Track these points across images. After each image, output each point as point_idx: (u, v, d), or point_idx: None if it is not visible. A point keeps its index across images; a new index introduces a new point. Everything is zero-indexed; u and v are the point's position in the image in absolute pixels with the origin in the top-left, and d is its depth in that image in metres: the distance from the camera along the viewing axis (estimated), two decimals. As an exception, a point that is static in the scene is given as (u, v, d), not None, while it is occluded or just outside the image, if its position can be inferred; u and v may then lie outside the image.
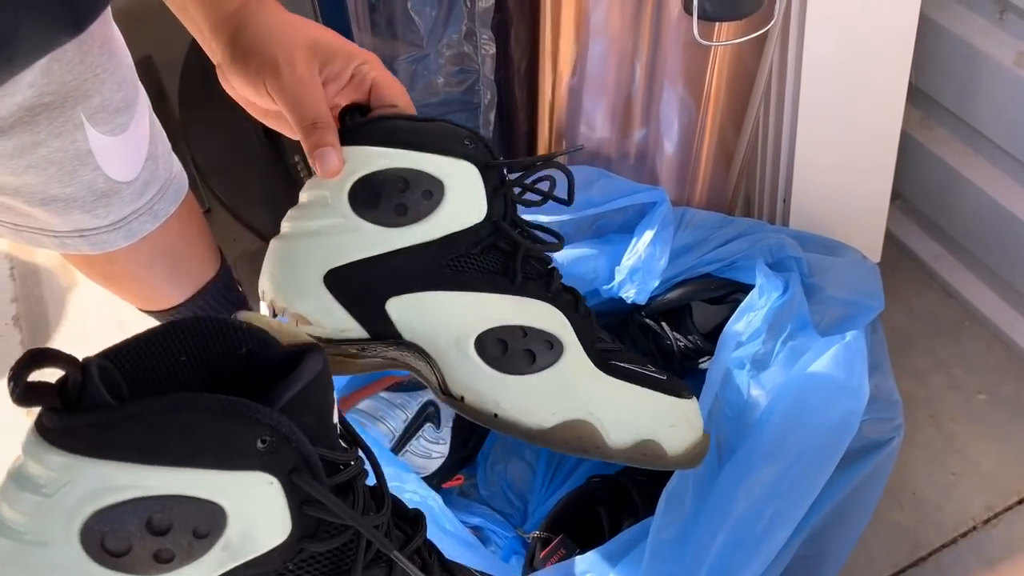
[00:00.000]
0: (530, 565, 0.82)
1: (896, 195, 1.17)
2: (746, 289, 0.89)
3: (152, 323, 1.12)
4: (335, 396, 0.40)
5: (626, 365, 0.54)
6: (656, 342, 0.93)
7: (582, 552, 0.78)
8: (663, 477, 0.86)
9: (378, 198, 0.47)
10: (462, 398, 0.49)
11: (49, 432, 0.34)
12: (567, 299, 0.53)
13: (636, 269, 0.86)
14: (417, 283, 0.48)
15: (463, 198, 0.49)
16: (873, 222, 1.09)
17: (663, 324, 0.92)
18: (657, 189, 0.87)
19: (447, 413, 0.96)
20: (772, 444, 0.77)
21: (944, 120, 1.08)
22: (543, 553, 0.81)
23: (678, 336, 0.91)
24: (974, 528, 0.95)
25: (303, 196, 0.51)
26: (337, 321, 0.47)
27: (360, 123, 0.50)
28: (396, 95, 0.52)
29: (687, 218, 0.91)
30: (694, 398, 0.60)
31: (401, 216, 0.48)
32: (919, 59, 0.97)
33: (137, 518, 0.33)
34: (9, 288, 1.26)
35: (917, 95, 1.08)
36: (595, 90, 0.93)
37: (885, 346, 0.92)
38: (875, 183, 1.06)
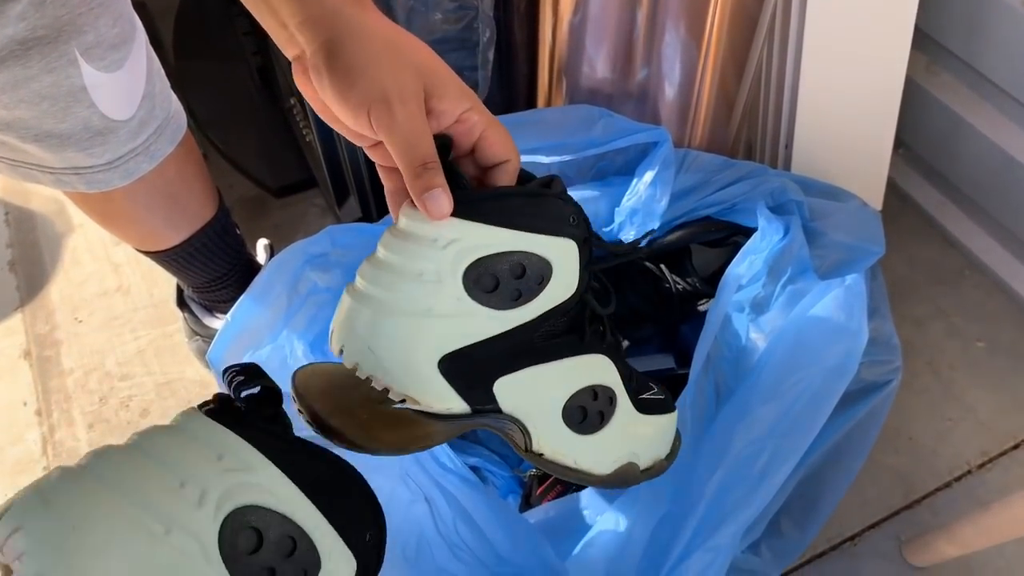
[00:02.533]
0: (527, 502, 0.83)
1: (899, 143, 1.16)
2: (746, 232, 0.88)
3: (147, 265, 1.12)
4: None
5: (648, 396, 0.58)
6: (655, 285, 0.93)
7: (579, 489, 0.78)
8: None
9: (496, 283, 0.47)
10: (542, 454, 0.52)
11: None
12: (613, 345, 0.55)
13: (636, 211, 0.86)
14: (521, 361, 0.49)
15: (565, 276, 0.49)
16: (875, 170, 1.08)
17: (663, 267, 0.91)
18: (659, 128, 0.86)
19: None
20: (771, 384, 0.77)
21: (950, 65, 1.07)
22: (540, 490, 0.81)
23: (677, 279, 0.91)
24: (969, 472, 0.95)
25: (400, 241, 0.47)
26: (446, 401, 0.47)
27: (478, 198, 0.47)
28: (508, 151, 0.48)
29: (688, 160, 0.90)
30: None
31: (515, 300, 0.47)
32: (925, 2, 0.95)
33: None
34: (4, 234, 1.25)
35: (923, 39, 1.07)
36: (596, 31, 0.91)
37: (885, 291, 0.91)
38: (878, 130, 1.05)
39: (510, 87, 1.03)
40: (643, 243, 0.88)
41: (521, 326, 0.48)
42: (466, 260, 0.46)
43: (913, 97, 1.08)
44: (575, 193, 0.88)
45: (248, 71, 1.35)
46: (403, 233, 0.47)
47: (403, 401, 0.46)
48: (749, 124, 1.08)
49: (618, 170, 0.90)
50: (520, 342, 0.48)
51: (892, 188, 1.15)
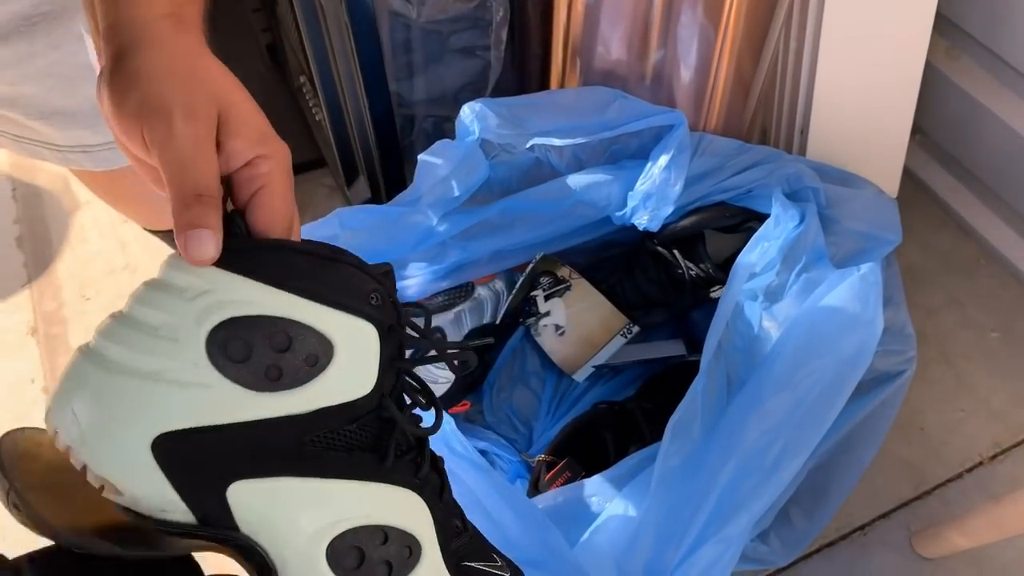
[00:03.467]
0: (535, 487, 0.82)
1: (915, 129, 1.14)
2: (761, 218, 0.87)
3: (154, 244, 1.11)
4: None
5: (477, 566, 0.45)
6: (668, 270, 0.92)
7: (587, 475, 0.78)
8: (670, 406, 0.86)
9: (248, 352, 0.36)
10: None
11: None
12: (434, 483, 0.43)
13: (650, 195, 0.84)
14: (272, 465, 0.37)
15: (355, 366, 0.39)
16: (892, 156, 1.07)
17: (675, 252, 0.90)
18: (675, 111, 0.84)
19: (454, 339, 0.95)
20: (785, 374, 0.76)
21: (970, 49, 1.05)
22: (548, 475, 0.81)
23: (690, 264, 0.90)
24: (980, 464, 0.95)
25: (149, 290, 0.38)
26: (159, 499, 0.35)
27: (253, 247, 0.38)
28: (277, 221, 0.38)
29: (703, 144, 0.89)
30: None
31: (272, 381, 0.36)
32: (947, -15, 0.94)
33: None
34: (12, 209, 1.25)
35: (943, 23, 1.05)
36: (612, 11, 0.90)
37: (900, 280, 0.90)
38: (896, 116, 1.03)
39: (523, 67, 1.02)
40: (657, 228, 0.87)
41: (283, 419, 0.37)
42: (215, 318, 0.36)
43: (931, 82, 1.06)
44: (587, 176, 0.88)
45: (257, 48, 1.34)
46: (156, 281, 0.38)
47: (103, 489, 0.35)
48: (764, 109, 1.06)
49: (632, 154, 0.89)
50: (280, 441, 0.37)
51: (907, 175, 1.14)
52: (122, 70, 0.37)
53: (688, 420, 0.75)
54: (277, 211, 0.38)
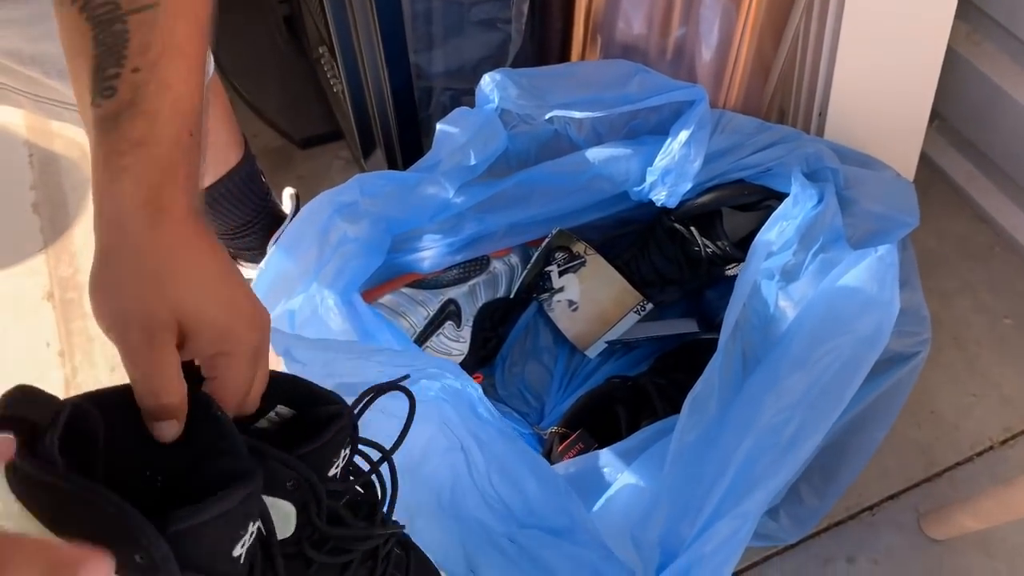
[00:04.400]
0: (548, 458, 0.83)
1: (934, 115, 1.13)
2: (779, 197, 0.87)
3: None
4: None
5: None
6: (683, 247, 0.92)
7: (600, 448, 0.78)
8: (683, 382, 0.86)
9: None
10: None
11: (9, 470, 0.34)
12: None
13: (669, 171, 0.84)
14: None
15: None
16: (910, 140, 1.06)
17: (692, 229, 0.90)
18: (696, 87, 0.84)
19: (468, 312, 0.95)
20: (802, 353, 0.76)
21: (992, 34, 1.05)
22: (561, 447, 0.81)
23: (707, 242, 0.90)
24: (990, 448, 0.95)
25: None
26: None
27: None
28: (227, 404, 0.41)
29: (723, 121, 0.88)
30: None
31: None
32: (972, -32, 0.93)
33: None
34: (28, 175, 1.25)
35: (965, 7, 1.04)
36: (634, -13, 0.89)
37: (915, 263, 0.90)
38: (915, 101, 1.03)
39: (543, 41, 1.02)
40: (674, 204, 0.87)
41: None
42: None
43: (952, 67, 1.06)
44: (606, 149, 0.87)
45: (275, 20, 1.33)
46: None
47: None
48: (783, 89, 1.06)
49: (651, 129, 0.89)
50: None
51: (924, 160, 1.13)
52: (98, 279, 0.39)
53: (705, 396, 0.75)
54: (227, 398, 0.41)
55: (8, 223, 1.20)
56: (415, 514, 0.66)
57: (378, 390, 0.48)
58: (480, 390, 0.69)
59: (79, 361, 1.06)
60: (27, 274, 1.14)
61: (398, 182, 0.80)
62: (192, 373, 0.41)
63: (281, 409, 0.45)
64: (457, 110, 0.82)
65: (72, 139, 1.28)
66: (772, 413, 0.72)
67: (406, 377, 0.50)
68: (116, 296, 0.39)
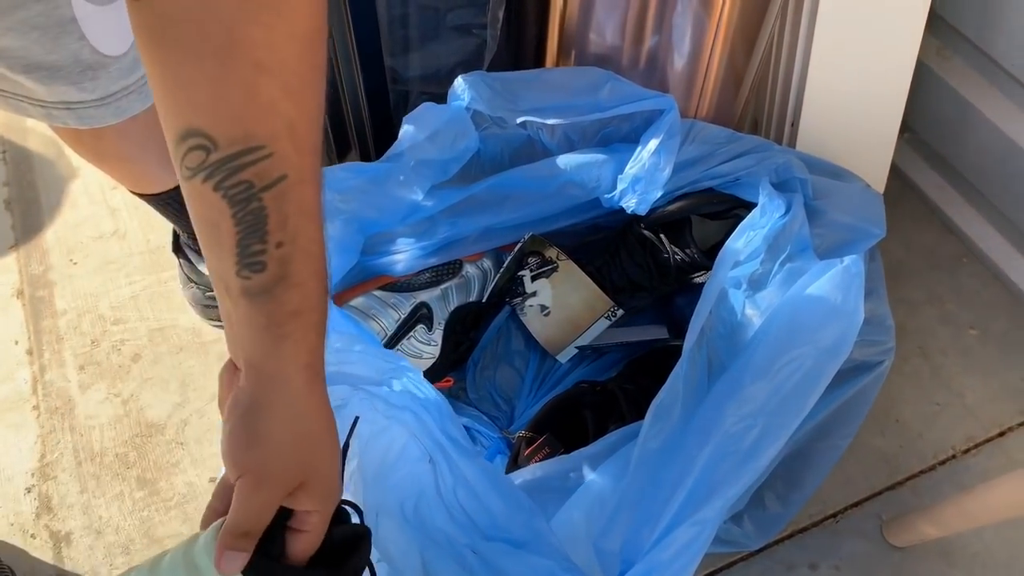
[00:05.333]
0: (514, 463, 0.83)
1: (905, 127, 1.15)
2: (748, 206, 0.88)
3: (144, 210, 1.11)
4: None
5: None
6: (654, 255, 0.93)
7: (566, 452, 0.79)
8: (651, 388, 0.87)
9: None
10: None
11: None
12: None
13: (639, 178, 0.85)
14: None
15: None
16: (880, 152, 1.08)
17: (662, 236, 0.91)
18: (666, 96, 0.85)
19: (439, 316, 0.95)
20: (765, 362, 0.77)
21: (962, 50, 1.06)
22: (528, 451, 0.82)
23: (676, 249, 0.91)
24: (953, 457, 0.96)
25: (185, 559, 0.46)
26: None
27: (272, 569, 0.45)
28: (306, 552, 0.47)
29: (694, 131, 0.89)
30: None
31: None
32: (941, -16, 0.94)
33: None
34: (1, 172, 1.24)
35: (936, 23, 1.06)
36: (608, -2, 0.90)
37: (882, 273, 0.91)
38: (886, 113, 1.04)
39: (518, 48, 1.02)
40: (644, 211, 0.87)
41: None
42: None
43: (922, 81, 1.07)
44: (578, 155, 0.88)
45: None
46: (193, 552, 0.46)
47: None
48: (756, 100, 1.07)
49: (623, 137, 0.89)
50: None
51: (895, 172, 1.15)
52: (247, 427, 0.44)
53: (669, 404, 0.76)
54: (308, 549, 0.46)
55: (-21, 220, 1.19)
56: (380, 514, 0.66)
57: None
58: (449, 407, 0.69)
59: (47, 359, 1.05)
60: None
61: (367, 174, 0.80)
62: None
63: None
64: (423, 105, 0.82)
65: (47, 137, 1.27)
66: (733, 421, 0.73)
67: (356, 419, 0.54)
68: (262, 446, 0.44)
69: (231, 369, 0.47)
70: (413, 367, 0.70)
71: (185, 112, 0.41)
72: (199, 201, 0.42)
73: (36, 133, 1.28)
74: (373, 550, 0.64)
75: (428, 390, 0.69)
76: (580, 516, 0.73)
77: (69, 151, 1.26)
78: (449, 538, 0.65)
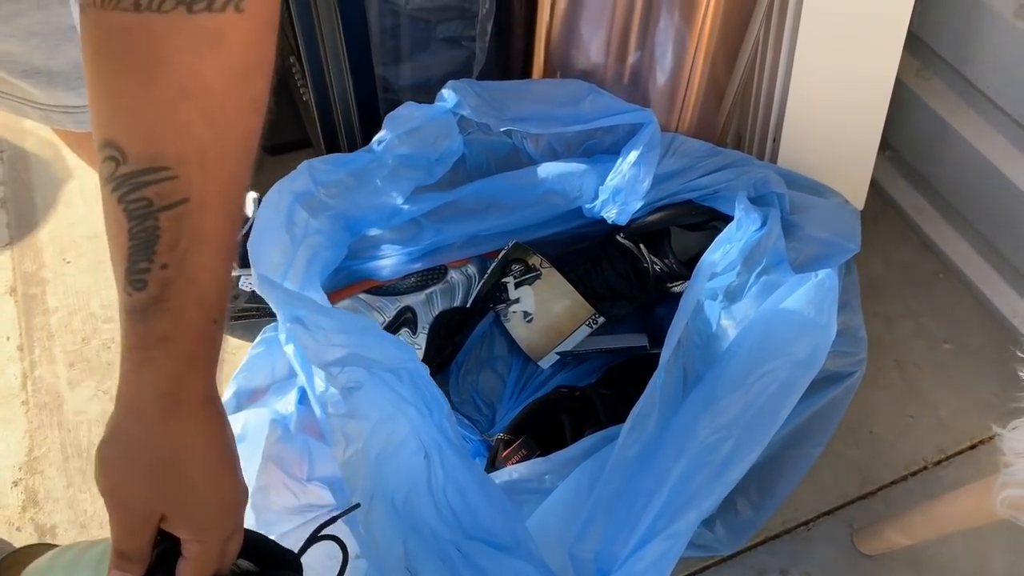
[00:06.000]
0: (492, 465, 0.85)
1: (885, 145, 1.18)
2: (726, 219, 0.90)
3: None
4: None
5: None
6: (633, 264, 0.95)
7: (543, 454, 0.80)
8: (628, 394, 0.89)
9: None
10: None
11: None
12: None
13: (619, 189, 0.87)
14: None
15: None
16: (860, 169, 1.10)
17: (641, 246, 0.93)
18: (645, 110, 0.87)
19: (424, 320, 0.97)
20: (739, 374, 0.78)
21: (940, 71, 1.09)
22: (505, 453, 0.83)
23: (655, 259, 0.93)
24: (925, 468, 0.98)
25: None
26: None
27: None
28: None
29: (675, 145, 0.92)
30: None
31: None
32: (920, 6, 0.97)
33: None
34: (-2, 171, 1.26)
35: (915, 44, 1.08)
36: (592, 12, 0.92)
37: (858, 286, 0.93)
38: (866, 130, 1.06)
39: (506, 61, 1.05)
40: (624, 221, 0.89)
41: None
42: None
43: (902, 100, 1.10)
44: (561, 165, 0.90)
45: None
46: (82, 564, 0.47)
47: None
48: (739, 115, 1.10)
49: (606, 149, 0.92)
50: None
51: (875, 189, 1.17)
52: (106, 454, 0.43)
53: (647, 413, 0.77)
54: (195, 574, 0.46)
55: (-25, 218, 1.21)
56: (375, 497, 0.68)
57: (315, 537, 0.53)
58: (448, 408, 0.71)
59: (38, 356, 1.07)
60: None
61: (348, 165, 0.83)
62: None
63: (242, 563, 0.50)
64: (404, 104, 0.85)
65: (44, 139, 1.29)
66: (708, 432, 0.74)
67: (356, 506, 0.54)
68: (118, 475, 0.43)
69: None
70: (422, 363, 0.72)
71: (106, 122, 0.41)
72: (107, 211, 0.42)
73: (34, 135, 1.30)
74: (359, 529, 0.66)
75: (432, 388, 0.71)
76: (554, 520, 0.74)
77: (66, 152, 1.28)
78: (434, 532, 0.67)
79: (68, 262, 1.16)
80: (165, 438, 0.43)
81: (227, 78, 0.41)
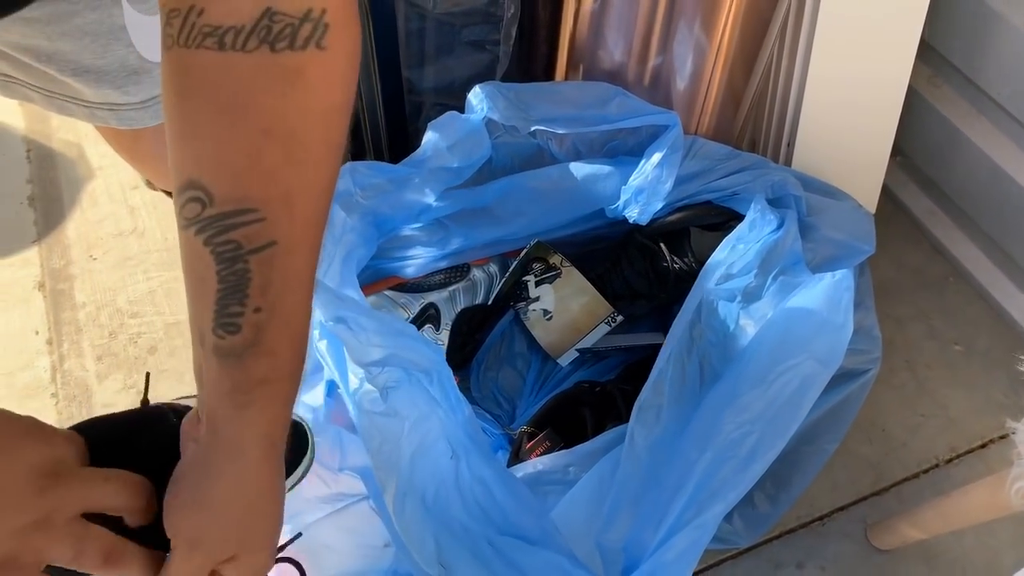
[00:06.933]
0: (515, 457, 0.87)
1: (896, 151, 1.20)
2: (744, 219, 0.92)
3: (162, 209, 1.15)
4: None
5: None
6: (653, 263, 0.97)
7: (566, 447, 0.82)
8: (648, 389, 0.90)
9: None
10: None
11: None
12: None
13: (642, 189, 0.89)
14: None
15: None
16: (872, 174, 1.12)
17: (662, 245, 0.95)
18: (671, 113, 0.89)
19: (447, 317, 1.00)
20: (760, 371, 0.80)
21: (951, 79, 1.11)
22: (528, 445, 0.85)
23: (675, 258, 0.95)
24: (936, 466, 1.00)
25: None
26: None
27: None
28: None
29: (696, 147, 0.94)
30: None
31: None
32: (932, 15, 0.99)
33: None
34: (25, 170, 1.28)
35: (927, 52, 1.11)
36: (615, 19, 0.95)
37: (871, 287, 0.96)
38: (878, 136, 1.09)
39: (528, 64, 1.07)
40: (646, 221, 0.92)
41: None
42: None
43: (914, 107, 1.12)
44: (585, 166, 0.92)
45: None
46: None
47: None
48: (755, 120, 1.12)
49: (628, 150, 0.94)
50: None
51: (886, 193, 1.20)
52: (195, 487, 0.43)
53: (653, 402, 0.79)
54: None
55: (3, 215, 1.23)
56: (407, 494, 0.70)
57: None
58: (472, 411, 0.73)
59: (67, 350, 1.09)
60: (20, 264, 1.17)
61: (386, 174, 0.85)
62: None
63: None
64: (448, 114, 0.87)
65: (70, 139, 1.32)
66: (732, 427, 0.76)
67: (298, 536, 0.55)
68: (204, 511, 0.43)
69: (194, 419, 0.45)
70: (447, 367, 0.74)
71: (189, 163, 0.41)
72: (190, 252, 0.41)
73: (59, 136, 1.32)
74: (395, 526, 0.68)
75: (454, 393, 0.73)
76: (579, 512, 0.76)
77: (90, 153, 1.30)
78: (465, 528, 0.69)
79: (95, 259, 1.18)
80: (261, 482, 0.44)
81: (309, 120, 0.41)
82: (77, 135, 1.32)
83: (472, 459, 0.72)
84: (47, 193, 1.26)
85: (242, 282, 0.40)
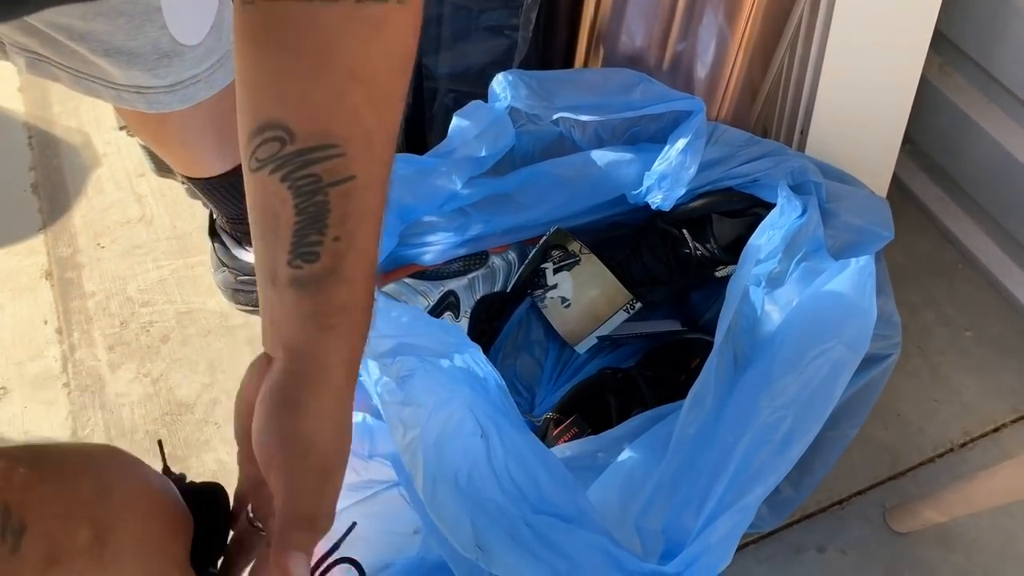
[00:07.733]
0: (542, 441, 0.87)
1: (906, 139, 1.21)
2: (764, 205, 0.93)
3: (170, 197, 1.14)
4: None
5: None
6: (675, 249, 0.97)
7: (593, 433, 0.82)
8: (669, 375, 0.91)
9: None
10: None
11: None
12: None
13: (665, 175, 0.89)
14: None
15: None
16: (883, 162, 1.13)
17: (684, 231, 0.95)
18: (695, 99, 0.89)
19: (466, 304, 0.99)
20: (792, 356, 0.80)
21: (963, 67, 1.12)
22: (556, 431, 0.85)
23: (697, 244, 0.95)
24: (951, 450, 1.01)
25: None
26: None
27: None
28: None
29: (717, 133, 0.94)
30: None
31: None
32: (944, 2, 0.99)
33: None
34: (27, 157, 1.26)
35: (939, 40, 1.11)
36: (639, 6, 0.95)
37: (887, 273, 0.96)
38: (890, 124, 1.09)
39: (547, 50, 1.06)
40: (668, 207, 0.92)
41: None
42: None
43: (925, 95, 1.13)
44: (607, 153, 0.92)
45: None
46: None
47: None
48: (768, 109, 1.12)
49: (651, 137, 0.94)
50: None
51: (896, 181, 1.20)
52: (289, 405, 0.43)
53: (704, 393, 0.80)
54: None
55: (7, 203, 1.21)
56: (437, 480, 0.70)
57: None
58: (504, 383, 0.73)
59: (77, 339, 1.07)
60: (26, 253, 1.16)
61: (414, 165, 0.84)
62: None
63: None
64: (473, 103, 0.87)
65: (71, 126, 1.30)
66: (768, 412, 0.76)
67: (353, 525, 0.54)
68: (298, 421, 0.43)
69: (263, 362, 0.46)
70: (474, 343, 0.74)
71: (268, 105, 0.42)
72: (263, 191, 0.43)
73: (62, 122, 1.30)
74: (428, 513, 0.68)
75: (486, 366, 0.73)
76: (614, 495, 0.76)
77: (95, 139, 1.28)
78: (500, 508, 0.69)
79: (102, 247, 1.16)
80: (347, 406, 0.45)
81: (389, 64, 0.43)
82: (80, 121, 1.30)
83: (504, 432, 0.71)
84: (51, 180, 1.24)
85: (321, 213, 0.42)
